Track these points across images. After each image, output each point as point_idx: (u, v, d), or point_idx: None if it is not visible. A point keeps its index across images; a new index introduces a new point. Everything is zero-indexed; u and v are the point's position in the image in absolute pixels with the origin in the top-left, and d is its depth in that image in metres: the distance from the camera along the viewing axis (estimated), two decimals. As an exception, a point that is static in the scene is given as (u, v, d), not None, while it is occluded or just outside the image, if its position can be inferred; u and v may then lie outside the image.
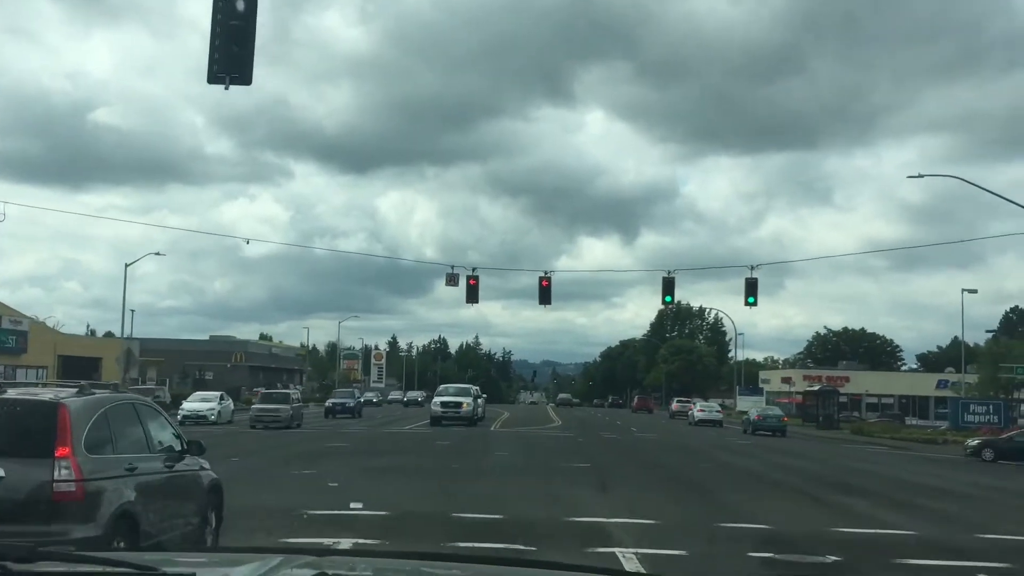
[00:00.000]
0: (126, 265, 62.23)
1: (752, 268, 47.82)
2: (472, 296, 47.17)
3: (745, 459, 31.20)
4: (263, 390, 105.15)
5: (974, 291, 63.27)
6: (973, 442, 38.43)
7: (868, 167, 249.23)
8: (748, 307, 47.62)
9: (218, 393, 56.45)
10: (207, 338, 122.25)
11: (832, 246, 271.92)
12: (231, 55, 13.12)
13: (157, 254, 70.03)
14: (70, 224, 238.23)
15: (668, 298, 45.64)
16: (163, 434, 10.02)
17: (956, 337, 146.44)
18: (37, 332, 70.21)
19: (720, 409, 72.54)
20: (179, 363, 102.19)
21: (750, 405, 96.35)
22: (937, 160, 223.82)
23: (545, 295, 46.72)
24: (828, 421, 62.84)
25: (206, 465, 10.83)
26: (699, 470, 25.92)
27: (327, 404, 62.98)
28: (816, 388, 71.85)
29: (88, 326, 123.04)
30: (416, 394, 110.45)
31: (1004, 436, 39.43)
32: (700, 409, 68.66)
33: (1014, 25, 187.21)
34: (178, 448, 10.04)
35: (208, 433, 32.33)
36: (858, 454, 37.28)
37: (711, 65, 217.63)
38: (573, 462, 26.55)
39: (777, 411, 58.33)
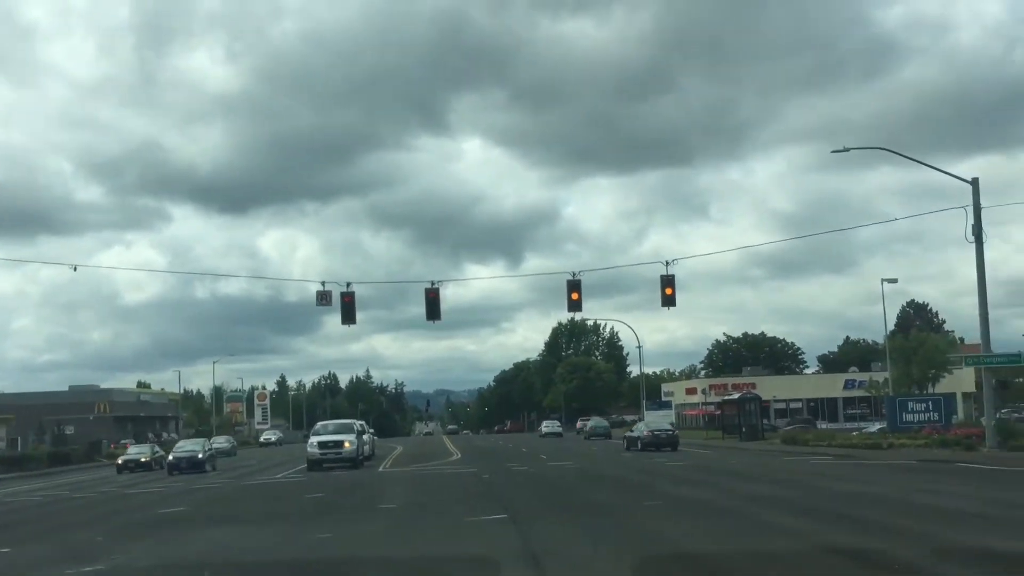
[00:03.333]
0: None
1: (667, 264, 42.37)
2: (348, 315, 40.69)
3: (695, 489, 24.95)
4: (132, 442, 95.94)
5: (894, 280, 59.10)
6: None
7: (740, 179, 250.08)
8: (666, 308, 42.59)
9: None
10: (66, 389, 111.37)
11: (713, 258, 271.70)
12: None
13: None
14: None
15: (575, 300, 40.39)
16: None
17: (848, 337, 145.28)
18: None
19: (560, 424, 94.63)
20: (35, 418, 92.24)
21: (660, 419, 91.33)
22: (804, 169, 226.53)
23: (433, 308, 40.34)
24: (752, 432, 57.35)
25: None
26: (649, 511, 19.56)
27: None
28: (736, 396, 66.47)
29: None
30: (221, 441, 72.66)
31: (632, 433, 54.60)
32: (545, 425, 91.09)
33: (869, 35, 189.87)
34: None
35: None
36: (817, 469, 31.52)
37: (583, 87, 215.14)
38: (483, 512, 19.92)
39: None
